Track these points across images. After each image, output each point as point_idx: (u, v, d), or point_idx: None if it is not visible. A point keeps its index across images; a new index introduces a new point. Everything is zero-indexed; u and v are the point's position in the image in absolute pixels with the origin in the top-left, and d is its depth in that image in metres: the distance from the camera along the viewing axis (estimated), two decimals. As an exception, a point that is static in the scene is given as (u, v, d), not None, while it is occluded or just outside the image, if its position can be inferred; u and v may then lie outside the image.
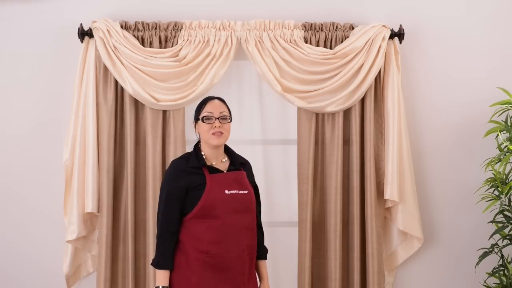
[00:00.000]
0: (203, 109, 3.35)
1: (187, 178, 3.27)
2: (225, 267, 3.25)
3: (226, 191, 3.28)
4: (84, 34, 4.15)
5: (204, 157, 3.34)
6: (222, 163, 3.38)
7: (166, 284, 3.25)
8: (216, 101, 3.38)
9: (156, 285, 3.24)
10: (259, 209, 3.50)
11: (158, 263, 3.26)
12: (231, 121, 3.37)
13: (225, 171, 3.35)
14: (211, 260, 3.23)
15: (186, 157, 3.36)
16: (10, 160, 4.28)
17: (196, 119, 3.37)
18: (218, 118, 3.32)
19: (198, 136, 3.40)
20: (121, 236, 4.21)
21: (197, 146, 3.39)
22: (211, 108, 3.34)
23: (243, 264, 3.30)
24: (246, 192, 3.34)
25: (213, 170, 3.32)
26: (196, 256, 3.23)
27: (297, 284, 4.22)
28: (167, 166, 4.16)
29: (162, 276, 3.25)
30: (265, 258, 3.50)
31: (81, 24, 4.16)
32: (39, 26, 4.26)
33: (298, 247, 4.21)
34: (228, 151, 3.45)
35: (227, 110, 3.38)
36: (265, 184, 4.32)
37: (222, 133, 3.31)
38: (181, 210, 3.28)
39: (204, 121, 3.32)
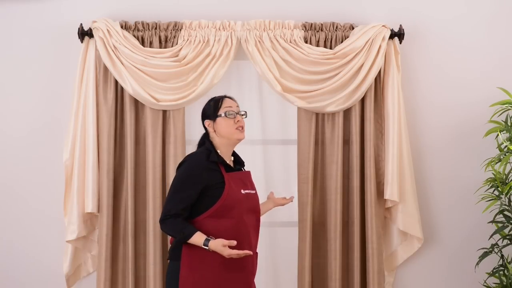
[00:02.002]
0: (221, 105, 3.32)
1: (206, 177, 3.19)
2: (240, 267, 3.21)
3: (242, 191, 3.25)
4: (84, 34, 4.15)
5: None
6: (230, 161, 3.37)
7: (205, 236, 3.11)
8: (229, 99, 3.37)
9: (204, 245, 3.10)
10: None
11: (185, 235, 3.12)
12: (246, 117, 3.38)
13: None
14: (228, 261, 3.15)
15: (204, 152, 3.27)
16: (10, 160, 4.28)
17: (215, 116, 3.31)
18: (237, 113, 3.33)
19: (210, 136, 3.34)
20: (121, 236, 4.21)
21: (210, 143, 3.33)
22: (230, 104, 3.34)
23: (253, 263, 3.29)
24: (254, 192, 3.33)
25: (228, 168, 3.29)
26: (212, 258, 3.15)
27: (297, 284, 4.22)
28: (167, 166, 4.15)
29: (197, 238, 3.11)
30: None
31: (81, 24, 4.16)
32: (39, 26, 4.26)
33: (298, 247, 4.20)
34: None
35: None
36: (265, 184, 4.31)
37: (243, 127, 3.32)
38: (193, 206, 3.20)
39: (228, 116, 3.29)
